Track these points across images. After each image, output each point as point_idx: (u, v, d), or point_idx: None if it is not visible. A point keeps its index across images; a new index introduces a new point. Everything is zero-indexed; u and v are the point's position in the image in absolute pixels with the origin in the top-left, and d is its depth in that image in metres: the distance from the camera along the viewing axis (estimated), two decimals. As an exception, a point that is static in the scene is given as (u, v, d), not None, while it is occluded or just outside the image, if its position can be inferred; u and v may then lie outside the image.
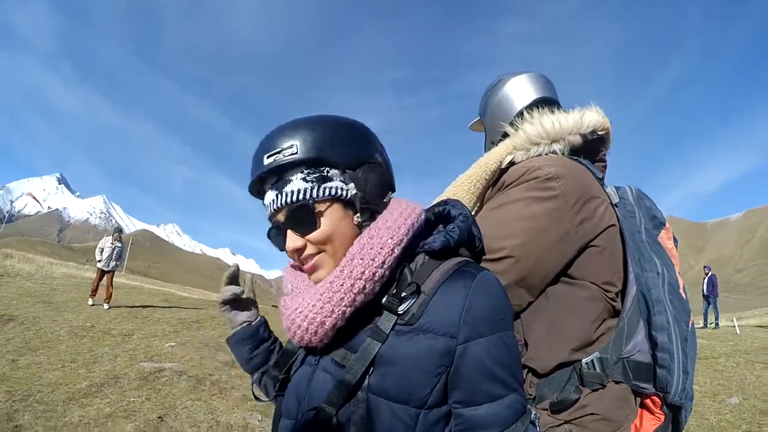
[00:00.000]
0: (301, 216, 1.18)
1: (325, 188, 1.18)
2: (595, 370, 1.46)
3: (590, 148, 1.77)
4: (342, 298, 1.11)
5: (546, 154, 1.67)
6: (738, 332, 15.33)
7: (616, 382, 1.46)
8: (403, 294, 1.13)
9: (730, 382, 8.28)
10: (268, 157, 1.19)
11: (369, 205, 1.24)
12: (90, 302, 14.12)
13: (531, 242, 1.47)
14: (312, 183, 1.18)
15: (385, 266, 1.15)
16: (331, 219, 1.19)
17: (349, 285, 1.12)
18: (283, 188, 1.18)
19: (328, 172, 1.20)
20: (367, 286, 1.13)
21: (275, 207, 1.19)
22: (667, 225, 1.74)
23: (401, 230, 1.19)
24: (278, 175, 1.20)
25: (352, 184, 1.22)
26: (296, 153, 1.17)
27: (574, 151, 1.71)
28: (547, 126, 1.68)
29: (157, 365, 8.17)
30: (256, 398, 1.48)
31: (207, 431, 6.02)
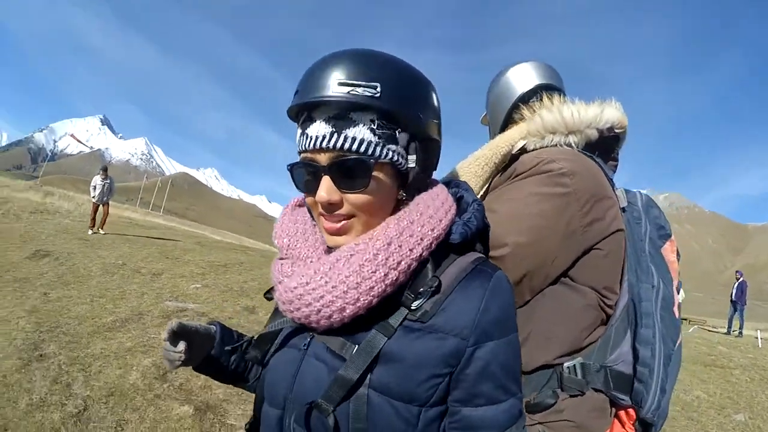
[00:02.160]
0: (353, 170, 1.02)
1: (389, 150, 1.05)
2: (576, 375, 1.44)
3: (605, 145, 1.69)
4: (372, 287, 1.00)
5: (560, 145, 1.60)
6: (760, 345, 14.78)
7: (596, 390, 1.45)
8: (421, 289, 1.04)
9: (740, 397, 8.07)
10: (340, 85, 1.00)
11: (417, 183, 1.15)
12: (90, 232, 15.61)
13: (538, 241, 1.42)
14: (379, 138, 1.03)
15: (421, 259, 1.06)
16: (380, 185, 1.06)
17: (382, 274, 1.00)
18: (345, 129, 1.01)
19: (398, 132, 1.07)
20: (400, 278, 1.03)
21: (324, 145, 1.01)
22: (672, 238, 1.70)
23: (442, 224, 1.09)
24: (342, 109, 1.02)
25: (413, 156, 1.10)
26: (377, 97, 1.00)
27: (588, 147, 1.64)
28: (566, 115, 1.60)
29: (180, 305, 8.40)
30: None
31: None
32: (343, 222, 1.06)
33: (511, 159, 1.68)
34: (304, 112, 1.07)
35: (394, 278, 1.01)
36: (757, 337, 16.85)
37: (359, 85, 0.99)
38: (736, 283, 21.18)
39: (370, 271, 1.00)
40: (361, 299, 0.99)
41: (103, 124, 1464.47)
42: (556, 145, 1.60)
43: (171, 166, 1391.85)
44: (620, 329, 1.48)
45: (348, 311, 1.00)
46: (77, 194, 34.56)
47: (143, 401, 4.89)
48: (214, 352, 1.36)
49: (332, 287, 1.00)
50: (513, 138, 1.66)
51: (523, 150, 1.64)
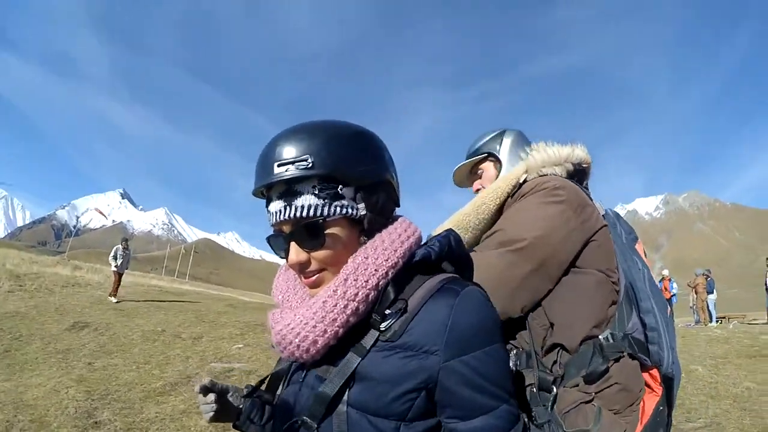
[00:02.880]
0: (308, 232, 1.14)
1: (336, 206, 1.15)
2: (612, 342, 1.64)
3: (577, 177, 2.08)
4: (335, 319, 1.10)
5: (549, 175, 1.99)
6: None
7: (630, 355, 1.64)
8: (387, 311, 1.12)
9: None
10: (279, 166, 1.13)
11: (375, 225, 1.22)
12: (114, 300, 15.60)
13: (547, 235, 1.73)
14: (323, 200, 1.14)
15: (379, 288, 1.14)
16: (337, 238, 1.17)
17: (342, 306, 1.10)
18: (293, 201, 1.14)
19: (341, 189, 1.16)
20: (360, 307, 1.11)
21: (281, 218, 1.14)
22: (639, 240, 2.00)
23: (398, 252, 1.18)
24: (287, 185, 1.15)
25: (362, 204, 1.19)
26: (310, 167, 1.11)
27: (568, 176, 2.02)
28: (550, 153, 2.03)
29: (226, 365, 8.32)
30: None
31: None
32: (316, 276, 1.18)
33: (518, 188, 2.04)
34: (261, 191, 1.21)
35: (354, 308, 1.10)
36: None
37: (292, 162, 1.11)
38: (768, 270, 20.73)
39: (331, 305, 1.10)
40: (328, 330, 1.10)
41: (123, 198, 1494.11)
42: (545, 174, 2.00)
43: (192, 233, 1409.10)
44: (626, 305, 1.71)
45: (320, 342, 1.10)
46: (104, 267, 34.98)
47: (205, 461, 4.76)
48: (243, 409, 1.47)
49: (305, 324, 1.11)
50: (518, 173, 2.05)
51: (525, 181, 2.03)
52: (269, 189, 1.18)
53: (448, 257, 1.29)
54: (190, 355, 8.96)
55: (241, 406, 1.47)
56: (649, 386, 1.64)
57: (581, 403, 1.55)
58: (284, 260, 1.24)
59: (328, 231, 1.14)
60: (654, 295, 1.74)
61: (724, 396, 7.43)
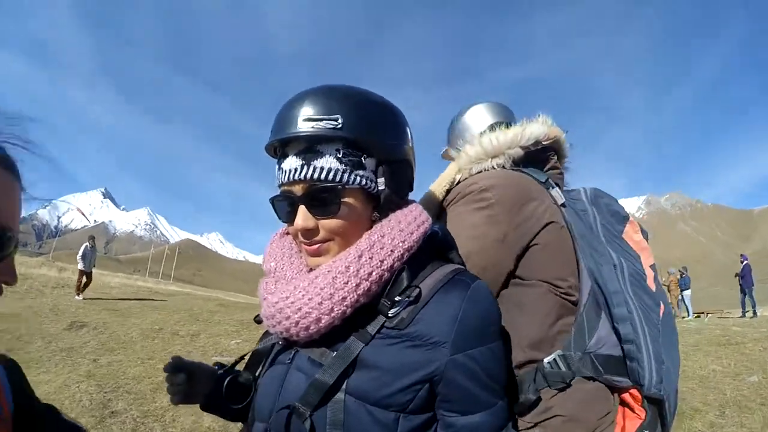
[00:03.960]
0: (324, 198, 1.10)
1: (356, 175, 1.11)
2: (558, 368, 1.47)
3: (537, 158, 1.85)
4: (344, 297, 1.06)
5: (486, 170, 1.76)
6: None
7: (588, 378, 1.46)
8: (397, 298, 1.09)
9: (753, 363, 8.42)
10: (305, 121, 1.08)
11: (390, 204, 1.19)
12: (79, 297, 15.71)
13: (478, 249, 1.54)
14: (345, 166, 1.10)
15: (393, 270, 1.11)
16: (351, 208, 1.12)
17: (354, 285, 1.06)
18: (313, 160, 1.09)
19: (364, 158, 1.14)
20: (372, 288, 1.08)
21: (296, 177, 1.10)
22: (631, 219, 1.76)
23: (414, 236, 1.15)
24: (309, 142, 1.10)
25: (382, 179, 1.16)
26: (339, 128, 1.08)
27: (518, 163, 1.79)
28: (485, 145, 1.77)
29: (228, 359, 8.55)
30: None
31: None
32: (320, 245, 1.13)
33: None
34: (279, 148, 1.17)
35: (366, 288, 1.07)
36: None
37: (321, 119, 1.07)
38: (741, 267, 21.85)
39: (342, 282, 1.06)
40: (335, 309, 1.05)
41: (105, 197, 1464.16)
42: (481, 171, 1.77)
43: (175, 234, 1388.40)
44: (591, 314, 1.51)
45: (324, 321, 1.05)
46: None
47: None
48: (213, 390, 1.41)
49: (308, 299, 1.06)
50: (450, 175, 1.83)
51: (458, 182, 1.80)
52: (286, 145, 1.14)
53: (452, 246, 1.32)
54: (191, 351, 9.30)
55: (210, 388, 1.42)
56: (629, 407, 1.47)
57: (522, 430, 1.41)
58: (285, 224, 1.21)
59: (343, 200, 1.10)
60: (638, 295, 1.52)
61: (691, 377, 7.96)
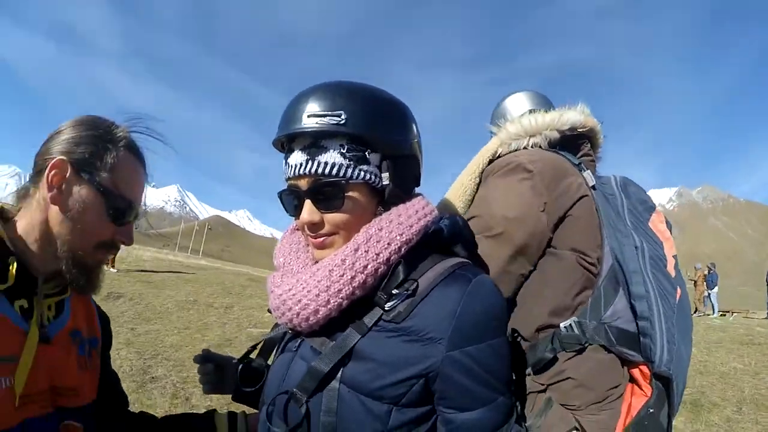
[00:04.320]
0: (328, 193, 1.11)
1: (360, 170, 1.12)
2: (573, 332, 1.52)
3: (572, 144, 1.92)
4: (340, 290, 1.07)
5: (524, 148, 1.84)
6: None
7: (603, 347, 1.51)
8: (394, 291, 1.09)
9: None
10: (309, 117, 1.10)
11: (395, 198, 1.19)
12: (114, 269, 15.38)
13: (522, 214, 1.61)
14: (349, 161, 1.11)
15: (390, 263, 1.11)
16: (355, 203, 1.13)
17: (349, 278, 1.07)
18: (317, 156, 1.10)
19: (368, 154, 1.14)
20: (368, 280, 1.09)
21: (301, 172, 1.11)
22: (657, 210, 1.82)
23: (413, 229, 1.15)
24: (314, 138, 1.12)
25: (387, 174, 1.16)
26: (343, 124, 1.09)
27: (553, 145, 1.87)
28: (524, 124, 1.85)
29: (262, 330, 8.73)
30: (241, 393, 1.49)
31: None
32: (325, 238, 1.14)
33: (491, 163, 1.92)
34: (285, 143, 1.19)
35: (362, 281, 1.07)
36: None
37: (325, 115, 1.09)
38: (769, 267, 21.13)
39: (338, 275, 1.07)
40: (331, 301, 1.06)
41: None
42: (519, 148, 1.85)
43: (204, 210, 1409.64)
44: (609, 289, 1.56)
45: (321, 313, 1.07)
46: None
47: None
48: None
49: (307, 291, 1.08)
50: (490, 149, 1.90)
51: (498, 156, 1.88)
52: (292, 140, 1.16)
53: (458, 239, 1.28)
54: (226, 322, 9.42)
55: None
56: (637, 383, 1.50)
57: (532, 392, 1.50)
58: (293, 219, 1.23)
59: (347, 194, 1.11)
60: (657, 277, 1.55)
61: (712, 372, 8.09)
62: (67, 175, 1.18)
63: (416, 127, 1.27)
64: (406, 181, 1.22)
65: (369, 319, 1.08)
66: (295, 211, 1.17)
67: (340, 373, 1.04)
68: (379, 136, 1.14)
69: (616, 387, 1.50)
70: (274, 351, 1.33)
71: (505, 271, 1.58)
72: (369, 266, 1.08)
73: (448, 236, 1.23)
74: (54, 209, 1.18)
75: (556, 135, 1.85)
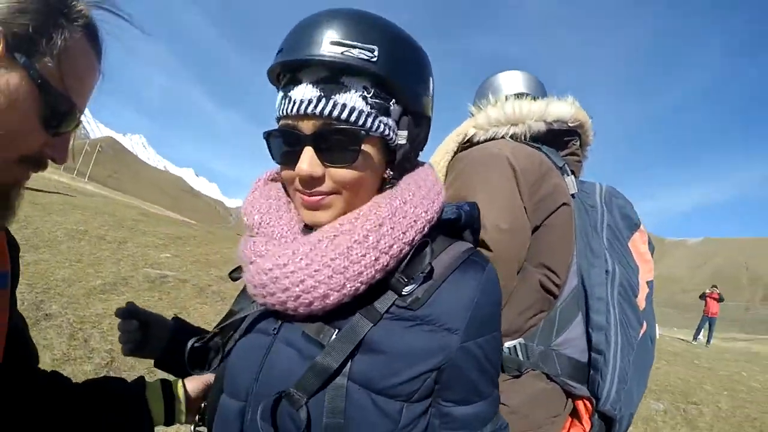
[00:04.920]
0: (340, 142, 0.92)
1: (381, 123, 0.95)
2: (516, 355, 1.42)
3: (558, 139, 1.77)
4: (360, 272, 0.90)
5: (503, 137, 1.68)
6: (658, 335, 16.94)
7: (546, 375, 1.43)
8: (414, 274, 0.95)
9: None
10: (333, 44, 0.89)
11: (406, 162, 1.05)
12: None
13: (509, 216, 1.45)
14: (372, 109, 0.93)
15: (413, 244, 0.96)
16: (368, 161, 0.96)
17: (372, 258, 0.90)
18: (334, 94, 0.90)
19: (393, 104, 0.97)
20: (391, 263, 0.93)
21: (309, 111, 0.90)
22: (641, 228, 1.71)
23: (435, 206, 1.01)
24: (332, 71, 0.92)
25: (405, 132, 1.00)
26: (374, 62, 0.91)
27: (536, 138, 1.72)
28: (507, 110, 1.68)
29: (159, 272, 8.64)
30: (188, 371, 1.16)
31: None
32: (324, 198, 0.96)
33: (463, 147, 1.77)
34: (288, 73, 0.97)
35: (385, 263, 0.92)
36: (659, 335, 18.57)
37: (355, 46, 0.89)
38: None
39: (359, 255, 0.90)
40: (348, 285, 0.90)
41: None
42: (495, 136, 1.69)
43: (97, 129, 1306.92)
44: (567, 313, 1.46)
45: (332, 298, 0.90)
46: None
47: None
48: (169, 345, 1.34)
49: (314, 271, 0.90)
50: (464, 130, 1.74)
51: (471, 142, 1.74)
52: (299, 69, 0.94)
53: (468, 227, 1.17)
54: (120, 258, 9.16)
55: (165, 343, 1.34)
56: (578, 417, 1.44)
57: None
58: (280, 167, 1.03)
59: (363, 148, 0.93)
60: (623, 307, 1.46)
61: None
62: None
63: (434, 87, 1.10)
64: (419, 143, 1.08)
65: (381, 305, 0.94)
66: (287, 158, 0.97)
67: (347, 367, 0.89)
68: (406, 85, 0.97)
69: (554, 417, 1.43)
70: (236, 329, 1.10)
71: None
72: (395, 246, 0.93)
73: (463, 224, 1.13)
74: None
75: (542, 127, 1.69)
